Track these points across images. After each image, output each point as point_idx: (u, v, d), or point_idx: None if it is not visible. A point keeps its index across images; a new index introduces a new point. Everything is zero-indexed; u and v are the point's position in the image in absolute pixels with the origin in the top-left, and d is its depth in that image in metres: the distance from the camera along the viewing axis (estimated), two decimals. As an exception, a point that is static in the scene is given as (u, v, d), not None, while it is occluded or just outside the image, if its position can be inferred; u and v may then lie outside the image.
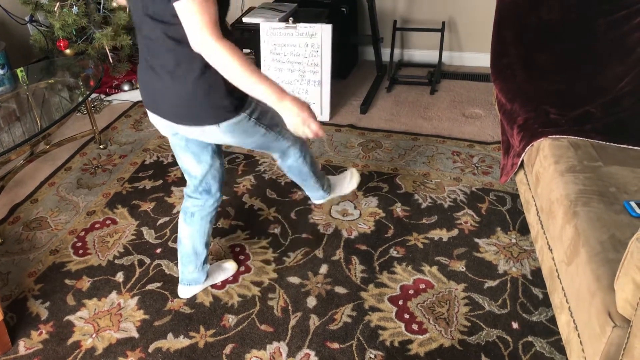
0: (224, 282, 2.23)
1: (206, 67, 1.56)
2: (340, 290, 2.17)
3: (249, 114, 1.71)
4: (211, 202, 2.02)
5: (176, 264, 2.33)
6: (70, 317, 2.12)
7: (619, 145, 2.06)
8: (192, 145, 1.87)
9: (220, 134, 1.71)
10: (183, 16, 1.45)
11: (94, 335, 2.04)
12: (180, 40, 1.53)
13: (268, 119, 1.79)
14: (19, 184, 2.92)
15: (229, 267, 2.27)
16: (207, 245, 2.10)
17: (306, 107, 1.56)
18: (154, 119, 1.79)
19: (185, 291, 2.17)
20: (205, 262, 2.13)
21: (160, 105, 1.70)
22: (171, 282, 2.25)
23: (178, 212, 2.63)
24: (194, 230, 2.04)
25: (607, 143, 2.07)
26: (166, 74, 1.62)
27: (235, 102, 1.66)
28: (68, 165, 3.06)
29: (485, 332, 1.97)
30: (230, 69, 1.48)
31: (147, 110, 1.78)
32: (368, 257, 2.32)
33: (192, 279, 2.14)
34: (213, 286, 2.22)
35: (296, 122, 1.56)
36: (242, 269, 2.29)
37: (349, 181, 2.41)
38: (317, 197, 2.34)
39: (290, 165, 2.08)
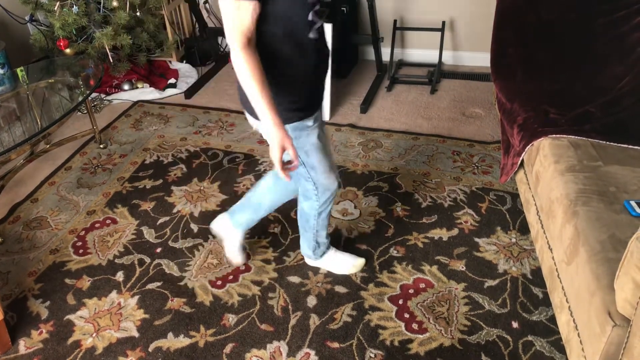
0: (224, 282, 2.23)
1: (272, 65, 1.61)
2: (340, 289, 2.17)
3: (299, 123, 1.76)
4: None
5: (176, 264, 2.33)
6: (71, 317, 2.12)
7: (619, 144, 2.06)
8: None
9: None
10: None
11: (94, 335, 2.04)
12: None
13: (299, 133, 1.79)
14: (19, 183, 2.92)
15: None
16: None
17: (278, 141, 1.58)
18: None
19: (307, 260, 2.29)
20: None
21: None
22: (171, 282, 2.25)
23: (178, 211, 2.63)
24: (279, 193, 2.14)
25: (607, 142, 2.07)
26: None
27: (287, 107, 1.71)
28: (68, 164, 3.06)
29: (485, 332, 1.97)
30: (240, 78, 1.55)
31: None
32: (368, 256, 2.32)
33: (304, 252, 2.26)
34: (213, 285, 2.22)
35: (270, 148, 1.61)
36: (243, 268, 2.29)
37: (348, 266, 2.25)
38: (305, 252, 2.26)
39: (302, 206, 2.07)
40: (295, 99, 1.70)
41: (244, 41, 1.49)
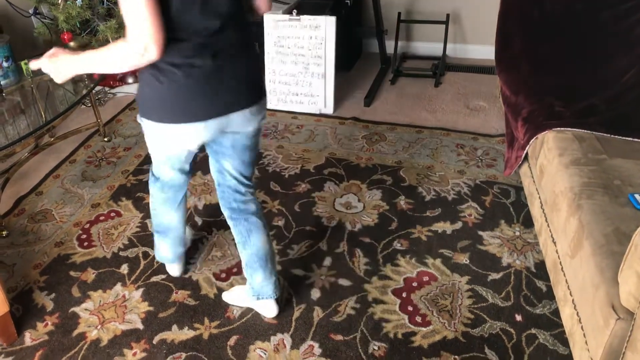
0: (228, 274, 2.24)
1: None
2: (344, 282, 2.18)
3: None
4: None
5: (180, 256, 2.34)
6: (76, 309, 2.13)
7: (624, 137, 2.06)
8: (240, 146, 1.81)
9: (264, 110, 1.76)
10: None
11: (99, 327, 2.06)
12: (249, 22, 1.65)
13: None
14: (23, 176, 2.93)
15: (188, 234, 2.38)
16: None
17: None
18: (202, 129, 1.64)
19: (177, 268, 2.24)
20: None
21: (242, 94, 1.66)
22: (179, 274, 2.25)
23: (182, 204, 2.63)
24: (182, 213, 2.08)
25: (612, 136, 2.07)
26: (246, 57, 1.65)
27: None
28: (73, 157, 3.07)
29: (488, 325, 1.98)
30: None
31: (199, 122, 1.62)
32: (372, 249, 2.32)
33: (181, 253, 2.21)
34: (217, 278, 2.22)
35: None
36: (246, 261, 2.30)
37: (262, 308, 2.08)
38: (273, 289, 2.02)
39: (262, 212, 1.98)
40: None
41: None
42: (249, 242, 1.92)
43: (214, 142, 1.78)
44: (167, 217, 2.06)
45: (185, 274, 2.25)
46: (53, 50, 1.66)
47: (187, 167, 1.94)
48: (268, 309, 2.04)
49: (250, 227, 1.91)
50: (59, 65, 1.64)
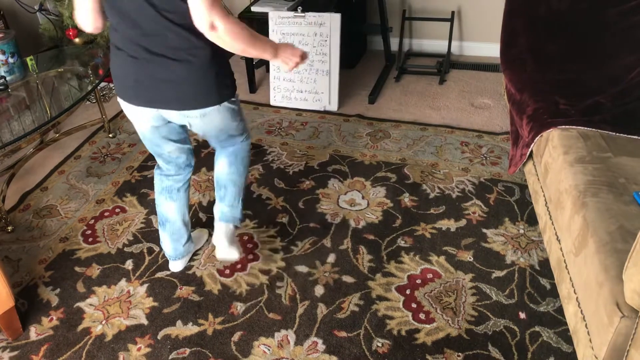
0: (233, 270, 2.24)
1: (215, 50, 1.68)
2: (347, 279, 2.18)
3: (237, 95, 1.89)
4: (190, 173, 2.15)
5: (185, 252, 2.34)
6: (80, 304, 2.14)
7: (629, 136, 2.05)
8: (174, 134, 1.95)
9: (218, 115, 1.83)
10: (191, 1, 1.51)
11: (103, 322, 2.06)
12: (190, 26, 1.58)
13: (238, 102, 1.94)
14: (29, 172, 2.94)
15: (203, 234, 2.42)
16: (188, 209, 2.22)
17: (290, 49, 1.79)
18: (137, 113, 1.82)
19: (179, 264, 2.26)
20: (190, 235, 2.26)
21: (158, 96, 1.75)
22: (180, 270, 2.26)
23: (187, 200, 2.64)
24: (181, 204, 2.15)
25: (617, 134, 2.06)
26: (172, 62, 1.67)
27: (233, 82, 1.85)
28: (77, 153, 3.08)
29: (492, 322, 1.98)
30: (241, 45, 1.63)
31: (131, 105, 1.80)
32: (376, 246, 2.32)
33: (185, 251, 2.24)
34: (222, 274, 2.23)
35: (289, 62, 1.80)
36: (251, 257, 2.31)
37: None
38: (231, 216, 2.16)
39: (237, 149, 2.09)
40: (232, 73, 1.86)
41: (224, 11, 1.55)
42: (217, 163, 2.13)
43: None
44: (163, 207, 2.14)
45: (188, 270, 2.25)
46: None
47: (164, 153, 2.01)
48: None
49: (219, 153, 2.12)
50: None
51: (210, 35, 1.56)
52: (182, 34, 1.63)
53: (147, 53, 1.68)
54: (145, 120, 1.85)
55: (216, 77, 1.75)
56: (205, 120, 1.83)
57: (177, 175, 2.10)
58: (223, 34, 1.56)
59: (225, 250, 2.13)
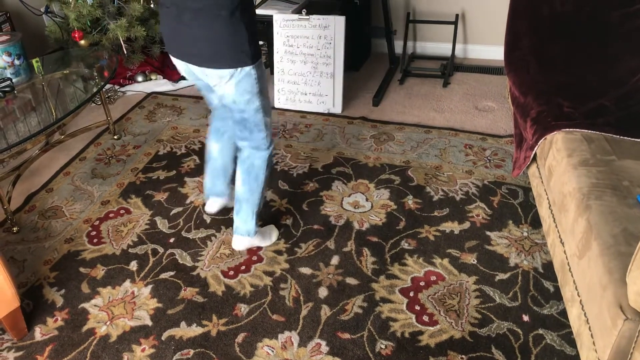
0: (237, 272, 2.25)
1: (234, 11, 1.80)
2: (351, 281, 2.19)
3: (256, 68, 1.93)
4: None
5: (189, 254, 2.35)
6: (85, 305, 2.15)
7: (633, 139, 2.05)
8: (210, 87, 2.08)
9: (232, 81, 1.92)
10: None
11: (108, 323, 2.07)
12: None
13: (262, 83, 2.00)
14: (34, 173, 2.95)
15: (274, 232, 2.43)
16: (233, 161, 2.36)
17: None
18: (180, 65, 2.03)
19: (214, 204, 2.50)
20: (230, 182, 2.39)
21: (184, 50, 1.93)
22: (184, 271, 2.27)
23: (191, 202, 2.65)
24: (224, 147, 2.35)
25: (621, 137, 2.06)
26: (195, 19, 1.82)
27: (253, 50, 1.89)
28: (83, 155, 3.09)
29: (496, 325, 1.98)
30: None
31: (175, 58, 2.01)
32: (379, 248, 2.33)
33: (222, 192, 2.45)
34: (226, 275, 2.24)
35: None
36: (255, 258, 2.31)
37: (274, 233, 2.41)
38: (245, 230, 2.26)
39: (253, 162, 2.14)
40: (257, 36, 1.93)
41: None
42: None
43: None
44: (210, 144, 2.38)
45: (192, 272, 2.26)
46: None
47: (210, 101, 2.24)
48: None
49: (237, 161, 2.22)
50: None
51: None
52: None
53: (177, 9, 1.85)
54: (183, 71, 2.05)
55: (234, 40, 1.84)
56: (222, 85, 1.94)
57: (225, 120, 2.27)
58: None
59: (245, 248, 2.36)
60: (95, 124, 3.22)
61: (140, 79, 3.79)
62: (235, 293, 2.16)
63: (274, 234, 2.41)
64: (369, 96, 3.51)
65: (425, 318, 2.02)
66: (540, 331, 1.95)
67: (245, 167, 2.16)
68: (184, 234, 2.47)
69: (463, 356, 1.88)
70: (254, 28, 1.89)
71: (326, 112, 3.36)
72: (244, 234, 2.28)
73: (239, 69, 1.88)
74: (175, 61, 2.03)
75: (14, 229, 2.53)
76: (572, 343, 1.88)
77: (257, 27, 1.93)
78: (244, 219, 2.24)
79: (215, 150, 2.37)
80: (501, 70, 3.67)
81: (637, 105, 2.21)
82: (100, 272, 2.30)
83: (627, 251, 1.55)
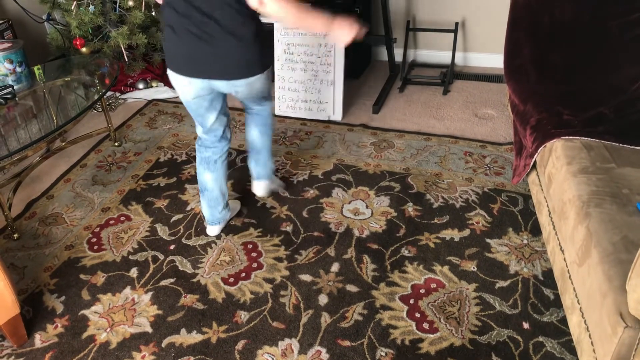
0: (237, 279, 2.25)
1: (259, 26, 1.99)
2: (351, 288, 2.19)
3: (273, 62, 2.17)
4: (227, 146, 2.38)
5: (189, 261, 2.35)
6: (85, 312, 2.15)
7: (633, 147, 2.06)
8: (217, 103, 2.20)
9: (260, 81, 2.11)
10: None
11: (108, 330, 2.07)
12: (239, 5, 1.88)
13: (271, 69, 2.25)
14: (35, 180, 2.96)
15: (237, 206, 2.64)
16: (226, 181, 2.45)
17: (345, 22, 1.97)
18: (185, 83, 2.07)
19: (215, 229, 2.48)
20: (226, 204, 2.49)
21: (209, 68, 2.00)
22: (184, 278, 2.27)
23: (192, 209, 2.66)
24: (219, 175, 2.38)
25: (620, 145, 2.07)
26: (223, 36, 1.92)
27: (272, 51, 2.14)
28: (83, 162, 3.10)
29: (496, 332, 1.98)
30: (289, 17, 1.91)
31: (182, 76, 2.05)
32: (379, 256, 2.33)
33: (221, 218, 2.46)
34: (226, 282, 2.24)
35: (345, 36, 1.99)
36: (255, 265, 2.32)
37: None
38: (266, 174, 2.60)
39: (266, 115, 2.45)
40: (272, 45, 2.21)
41: None
42: (248, 130, 2.49)
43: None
44: (202, 176, 2.38)
45: (193, 279, 2.26)
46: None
47: (206, 122, 2.25)
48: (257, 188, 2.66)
49: (248, 120, 2.47)
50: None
51: (260, 9, 1.84)
52: (231, 13, 1.89)
53: (199, 31, 1.92)
54: (192, 90, 2.09)
55: (260, 50, 2.02)
56: (250, 87, 2.11)
57: (214, 147, 2.33)
58: (270, 7, 1.83)
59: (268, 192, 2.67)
60: (96, 131, 3.23)
61: (141, 86, 3.80)
62: (235, 300, 2.16)
63: (237, 205, 2.64)
64: (369, 104, 3.52)
65: (426, 325, 2.02)
66: (541, 339, 1.95)
67: (262, 121, 2.45)
68: (184, 241, 2.47)
69: (463, 364, 1.88)
70: (266, 31, 2.10)
71: (326, 119, 3.37)
72: (266, 178, 2.60)
73: (267, 69, 2.12)
74: (184, 80, 2.06)
75: (15, 235, 2.54)
76: (573, 351, 1.88)
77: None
78: (265, 163, 2.56)
79: (210, 180, 2.37)
80: (501, 78, 3.68)
81: (637, 114, 2.22)
82: (100, 279, 2.30)
83: (627, 259, 1.55)
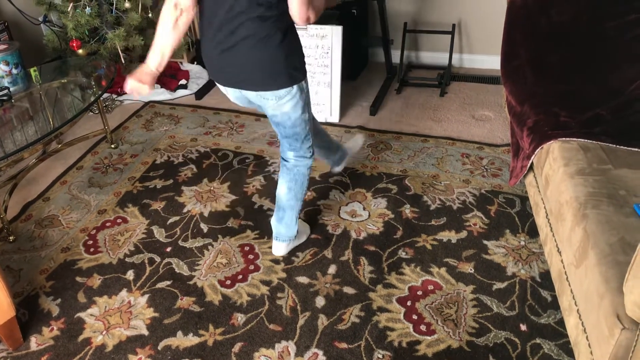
0: (234, 281, 2.25)
1: (287, 33, 1.89)
2: (348, 290, 2.18)
3: (306, 81, 2.02)
4: (303, 160, 2.24)
5: (186, 263, 2.35)
6: (81, 314, 2.14)
7: (629, 148, 2.06)
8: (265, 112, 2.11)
9: (290, 99, 1.98)
10: None
11: (104, 333, 2.06)
12: (272, 14, 1.82)
13: (309, 95, 2.09)
14: (31, 182, 2.95)
15: (306, 227, 2.49)
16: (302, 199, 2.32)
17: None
18: (228, 91, 2.05)
19: (276, 248, 2.36)
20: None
21: (237, 78, 1.96)
22: (181, 281, 2.26)
23: (188, 211, 2.65)
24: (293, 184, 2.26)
25: (617, 146, 2.07)
26: (249, 46, 1.86)
27: (303, 66, 2.00)
28: (80, 164, 3.09)
29: (493, 334, 1.97)
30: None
31: (225, 87, 2.03)
32: (377, 258, 2.33)
33: (289, 235, 2.33)
34: (222, 285, 2.23)
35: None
36: (252, 268, 2.31)
37: (304, 231, 2.46)
38: (287, 236, 2.35)
39: (299, 170, 2.24)
40: (303, 57, 2.02)
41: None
42: (279, 183, 2.29)
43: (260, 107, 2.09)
44: (278, 188, 2.29)
45: (189, 281, 2.26)
46: None
47: (273, 128, 2.19)
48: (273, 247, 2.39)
49: (282, 172, 2.28)
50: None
51: (303, 24, 1.83)
52: (258, 23, 1.82)
53: (227, 40, 1.87)
54: (234, 99, 2.08)
55: (286, 61, 1.91)
56: (279, 105, 2.00)
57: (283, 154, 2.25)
58: (313, 19, 1.84)
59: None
60: (93, 133, 3.22)
61: (137, 88, 3.78)
62: (232, 302, 2.16)
63: (306, 229, 2.48)
64: (367, 105, 3.52)
65: (423, 327, 2.01)
66: (538, 340, 1.94)
67: (292, 175, 2.24)
68: (180, 243, 2.47)
69: (460, 366, 1.87)
70: (300, 44, 1.99)
71: (324, 121, 3.37)
72: (287, 240, 2.34)
73: (295, 85, 1.97)
74: (225, 89, 2.05)
75: (10, 238, 2.53)
76: (570, 352, 1.88)
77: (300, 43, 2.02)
78: (288, 224, 2.30)
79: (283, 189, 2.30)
80: (498, 80, 3.69)
81: (634, 115, 2.22)
82: (96, 281, 2.29)
83: (624, 260, 1.55)
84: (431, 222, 2.50)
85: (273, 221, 2.33)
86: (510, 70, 2.69)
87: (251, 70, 1.92)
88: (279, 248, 2.35)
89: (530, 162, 2.29)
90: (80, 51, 3.53)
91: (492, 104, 3.47)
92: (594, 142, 2.09)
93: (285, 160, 2.24)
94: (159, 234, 2.52)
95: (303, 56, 2.00)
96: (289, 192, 2.25)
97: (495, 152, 2.97)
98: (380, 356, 1.92)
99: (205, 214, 2.63)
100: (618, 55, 2.53)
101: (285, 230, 2.31)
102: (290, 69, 1.93)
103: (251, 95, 1.99)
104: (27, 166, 2.90)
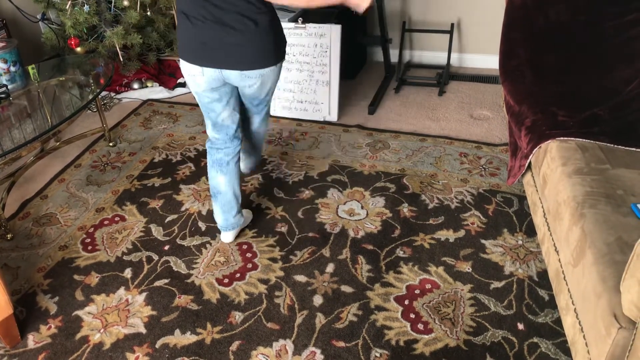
0: (231, 280, 2.25)
1: (274, 16, 1.96)
2: (346, 289, 2.18)
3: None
4: (239, 146, 2.32)
5: (184, 261, 2.35)
6: (79, 312, 2.14)
7: (627, 148, 2.06)
8: (229, 98, 2.15)
9: (273, 74, 2.06)
10: None
11: (102, 331, 2.06)
12: None
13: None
14: (29, 180, 2.95)
15: (249, 215, 2.57)
16: (239, 183, 2.37)
17: None
18: (199, 73, 2.02)
19: (230, 235, 2.42)
20: (240, 209, 2.41)
21: (223, 57, 1.96)
22: (178, 279, 2.26)
23: (186, 209, 2.65)
24: (232, 177, 2.31)
25: (615, 146, 2.07)
26: (238, 26, 1.90)
27: (285, 44, 2.08)
28: (78, 162, 3.08)
29: (490, 333, 1.98)
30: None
31: (194, 65, 2.00)
32: (374, 256, 2.33)
33: (235, 223, 2.39)
34: (220, 283, 2.23)
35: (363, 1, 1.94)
36: (250, 266, 2.31)
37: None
38: (252, 167, 2.70)
39: (262, 120, 2.39)
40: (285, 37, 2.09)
41: None
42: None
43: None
44: (215, 180, 2.32)
45: (187, 279, 2.26)
46: None
47: (217, 119, 2.20)
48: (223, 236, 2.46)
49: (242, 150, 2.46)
50: None
51: (304, 5, 1.93)
52: (246, 2, 1.86)
53: (214, 18, 1.89)
54: (204, 81, 2.04)
55: (275, 40, 1.98)
56: (262, 82, 2.06)
57: (226, 148, 2.27)
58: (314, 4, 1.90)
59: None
60: (91, 131, 3.22)
61: (136, 86, 3.79)
62: (229, 301, 2.16)
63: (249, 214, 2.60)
64: (365, 104, 3.52)
65: (420, 326, 2.02)
66: (535, 339, 1.95)
67: (255, 133, 2.45)
68: (178, 241, 2.46)
69: (458, 365, 1.87)
70: (280, 24, 2.07)
71: (322, 120, 3.37)
72: (252, 168, 2.69)
73: (279, 63, 2.06)
74: (200, 70, 2.01)
75: (8, 235, 2.52)
76: (567, 351, 1.88)
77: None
78: (253, 158, 2.63)
79: (223, 183, 2.30)
80: (496, 79, 3.69)
81: (632, 115, 2.22)
82: (94, 279, 2.29)
83: (621, 259, 1.55)
84: (429, 221, 2.50)
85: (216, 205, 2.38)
86: (508, 69, 2.69)
87: (242, 50, 1.93)
88: (227, 237, 2.45)
89: (528, 161, 2.29)
90: (78, 49, 3.52)
91: (491, 104, 3.47)
92: (592, 141, 2.09)
93: (248, 132, 2.42)
94: (157, 232, 2.52)
95: (284, 36, 2.09)
96: (256, 138, 2.48)
97: (494, 152, 2.98)
98: (377, 355, 1.92)
99: (204, 212, 2.63)
100: (616, 55, 2.53)
101: (251, 162, 2.65)
102: (277, 47, 2.01)
103: (233, 74, 2.00)
104: (25, 164, 2.89)
